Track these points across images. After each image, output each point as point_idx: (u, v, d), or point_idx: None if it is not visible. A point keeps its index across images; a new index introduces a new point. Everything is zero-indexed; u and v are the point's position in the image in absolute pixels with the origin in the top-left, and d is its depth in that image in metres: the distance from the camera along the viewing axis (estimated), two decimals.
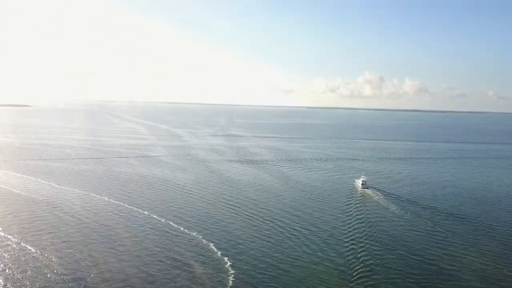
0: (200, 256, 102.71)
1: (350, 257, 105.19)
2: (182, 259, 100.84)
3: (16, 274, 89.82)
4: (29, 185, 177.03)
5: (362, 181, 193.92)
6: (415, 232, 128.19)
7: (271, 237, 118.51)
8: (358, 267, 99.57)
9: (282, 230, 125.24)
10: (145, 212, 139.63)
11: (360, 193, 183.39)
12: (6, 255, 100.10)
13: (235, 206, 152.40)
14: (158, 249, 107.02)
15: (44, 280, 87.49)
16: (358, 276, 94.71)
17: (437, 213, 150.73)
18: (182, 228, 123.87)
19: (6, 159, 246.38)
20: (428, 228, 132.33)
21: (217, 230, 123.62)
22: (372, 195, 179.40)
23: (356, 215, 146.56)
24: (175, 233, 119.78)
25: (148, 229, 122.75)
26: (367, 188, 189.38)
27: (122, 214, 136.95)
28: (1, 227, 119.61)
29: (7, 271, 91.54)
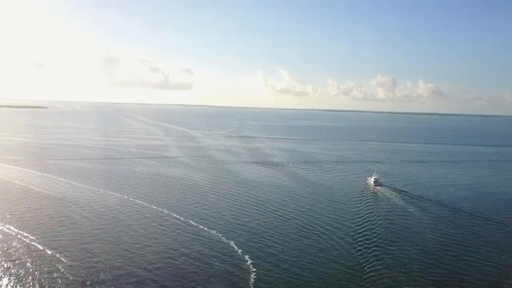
0: (221, 254, 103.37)
1: (363, 255, 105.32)
2: (203, 256, 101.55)
3: (31, 271, 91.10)
4: (48, 183, 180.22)
5: (375, 179, 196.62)
6: (429, 230, 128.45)
7: (288, 236, 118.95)
8: (370, 264, 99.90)
9: (298, 229, 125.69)
10: (164, 211, 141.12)
11: (372, 191, 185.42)
12: (23, 251, 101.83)
13: (252, 205, 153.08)
14: (177, 246, 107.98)
15: (60, 277, 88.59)
16: (370, 274, 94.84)
17: (452, 212, 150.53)
18: (201, 226, 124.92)
19: (26, 158, 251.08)
20: (443, 226, 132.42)
21: (236, 228, 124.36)
22: (385, 192, 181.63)
23: (369, 212, 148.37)
24: (194, 231, 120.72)
25: (166, 227, 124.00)
26: (380, 186, 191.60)
27: (140, 212, 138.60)
28: (21, 224, 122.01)
29: (22, 268, 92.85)
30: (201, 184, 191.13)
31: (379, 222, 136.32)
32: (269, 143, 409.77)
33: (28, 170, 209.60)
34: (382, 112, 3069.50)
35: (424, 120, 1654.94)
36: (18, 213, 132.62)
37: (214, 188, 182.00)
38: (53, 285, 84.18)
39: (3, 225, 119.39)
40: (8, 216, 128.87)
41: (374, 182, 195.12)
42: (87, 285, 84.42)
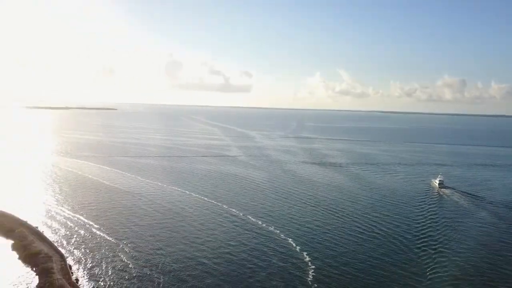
0: (279, 250, 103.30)
1: (425, 259, 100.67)
2: (261, 252, 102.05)
3: (97, 258, 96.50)
4: (116, 177, 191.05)
5: (439, 180, 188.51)
6: (503, 237, 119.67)
7: (347, 236, 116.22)
8: (432, 269, 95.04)
9: (357, 230, 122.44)
10: (224, 206, 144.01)
11: (437, 193, 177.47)
12: (90, 239, 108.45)
13: (310, 204, 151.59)
14: (236, 241, 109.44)
15: (122, 265, 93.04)
16: (432, 279, 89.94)
17: None
18: (259, 223, 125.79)
19: (97, 155, 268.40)
20: None
21: (294, 226, 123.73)
22: (450, 195, 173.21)
23: (432, 214, 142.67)
24: (252, 227, 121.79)
25: (226, 222, 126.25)
26: (445, 188, 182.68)
27: (200, 207, 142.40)
28: (90, 214, 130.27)
29: (90, 254, 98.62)
30: (260, 182, 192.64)
31: (444, 225, 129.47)
32: (328, 144, 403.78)
33: (98, 165, 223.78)
34: (450, 114, 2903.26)
35: (498, 122, 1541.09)
36: (88, 204, 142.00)
37: (272, 187, 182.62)
38: (115, 272, 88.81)
39: (74, 215, 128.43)
40: (79, 206, 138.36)
41: (439, 184, 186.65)
42: (147, 274, 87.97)
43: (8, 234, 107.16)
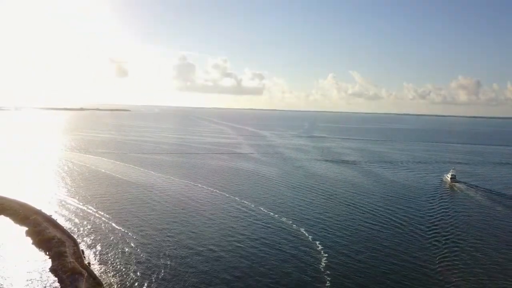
0: (292, 240, 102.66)
1: (436, 248, 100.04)
2: (273, 241, 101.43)
3: (107, 246, 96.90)
4: (130, 172, 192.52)
5: (451, 175, 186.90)
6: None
7: (359, 226, 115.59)
8: (442, 257, 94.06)
9: (369, 220, 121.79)
10: (236, 198, 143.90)
11: (449, 187, 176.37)
12: (101, 228, 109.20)
13: (323, 198, 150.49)
14: (247, 231, 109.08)
15: (132, 253, 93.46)
16: (442, 266, 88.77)
17: None
18: (271, 214, 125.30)
19: (112, 151, 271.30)
20: None
21: (306, 217, 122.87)
22: (462, 188, 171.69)
23: (443, 207, 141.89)
24: (264, 218, 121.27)
25: (238, 213, 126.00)
26: (457, 182, 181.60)
27: (213, 199, 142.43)
28: (105, 204, 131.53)
29: (100, 243, 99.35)
30: (272, 177, 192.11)
31: (455, 217, 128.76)
32: (340, 143, 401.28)
33: (114, 161, 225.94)
34: (464, 117, 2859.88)
35: None
36: (101, 195, 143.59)
37: (284, 181, 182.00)
38: (126, 257, 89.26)
39: (87, 205, 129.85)
40: (92, 197, 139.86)
41: (451, 178, 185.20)
42: (156, 261, 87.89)
43: (23, 221, 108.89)
